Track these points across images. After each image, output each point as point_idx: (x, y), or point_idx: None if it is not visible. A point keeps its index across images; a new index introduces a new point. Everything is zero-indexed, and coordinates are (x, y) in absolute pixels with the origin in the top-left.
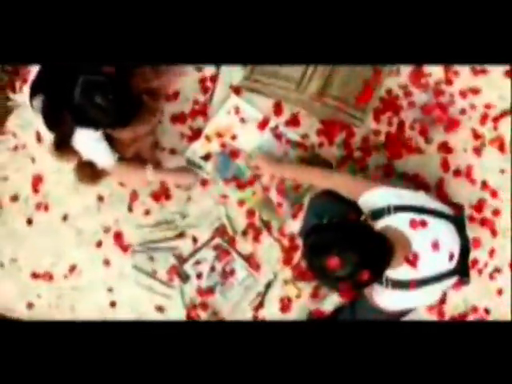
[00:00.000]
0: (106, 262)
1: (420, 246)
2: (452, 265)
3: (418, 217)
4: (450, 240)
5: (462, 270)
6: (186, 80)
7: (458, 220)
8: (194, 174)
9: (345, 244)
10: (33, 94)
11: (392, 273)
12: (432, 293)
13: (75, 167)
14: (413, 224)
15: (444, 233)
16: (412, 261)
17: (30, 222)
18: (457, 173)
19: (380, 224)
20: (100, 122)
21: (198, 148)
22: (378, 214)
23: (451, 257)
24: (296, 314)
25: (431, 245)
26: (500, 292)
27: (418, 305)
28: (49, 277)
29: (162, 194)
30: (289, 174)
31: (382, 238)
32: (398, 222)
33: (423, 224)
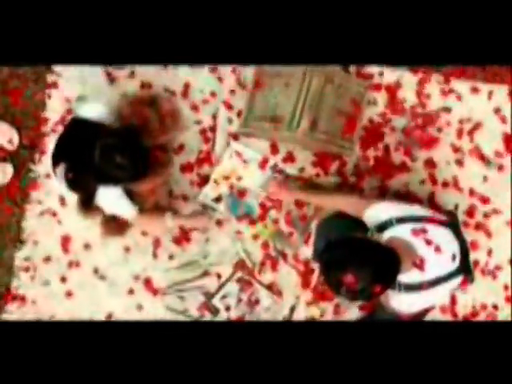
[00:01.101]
0: (139, 307)
1: (424, 251)
2: (455, 265)
3: (418, 225)
4: (449, 243)
5: (466, 269)
6: (189, 133)
7: (453, 225)
8: (208, 217)
9: (356, 261)
10: (55, 163)
11: (403, 277)
12: (442, 292)
13: (101, 223)
14: (415, 232)
15: (443, 237)
16: (419, 265)
17: (63, 279)
18: (445, 184)
19: (385, 236)
20: (121, 179)
21: (209, 192)
22: (382, 226)
23: (453, 257)
24: None
25: (434, 249)
26: (506, 287)
27: (430, 304)
28: None
29: (182, 238)
30: (301, 196)
31: (388, 251)
32: (401, 232)
33: (424, 231)
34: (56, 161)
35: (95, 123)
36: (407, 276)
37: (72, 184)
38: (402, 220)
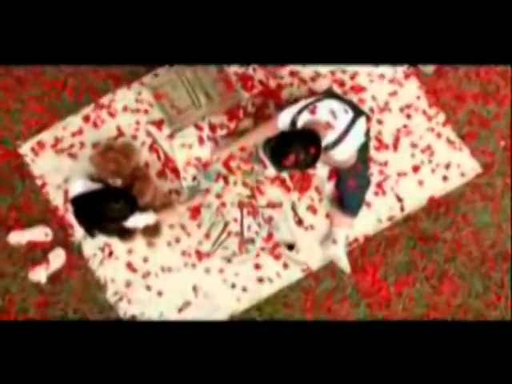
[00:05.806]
0: (207, 270)
1: (325, 118)
2: (350, 114)
3: (310, 107)
4: (336, 105)
5: (360, 113)
6: (142, 154)
7: (333, 95)
8: (200, 193)
9: (285, 145)
10: (90, 235)
11: (325, 141)
12: (358, 133)
13: (142, 237)
14: (311, 112)
15: (330, 104)
16: (328, 126)
17: (148, 288)
18: (312, 79)
19: (299, 126)
20: (127, 213)
21: (186, 178)
22: (293, 123)
23: (346, 111)
24: (323, 212)
25: (329, 113)
26: (402, 109)
27: (356, 145)
28: None
29: (194, 214)
30: (238, 145)
31: (304, 130)
32: (304, 118)
33: (315, 108)
34: (89, 233)
35: (87, 194)
36: (325, 139)
37: (106, 235)
38: (299, 112)
